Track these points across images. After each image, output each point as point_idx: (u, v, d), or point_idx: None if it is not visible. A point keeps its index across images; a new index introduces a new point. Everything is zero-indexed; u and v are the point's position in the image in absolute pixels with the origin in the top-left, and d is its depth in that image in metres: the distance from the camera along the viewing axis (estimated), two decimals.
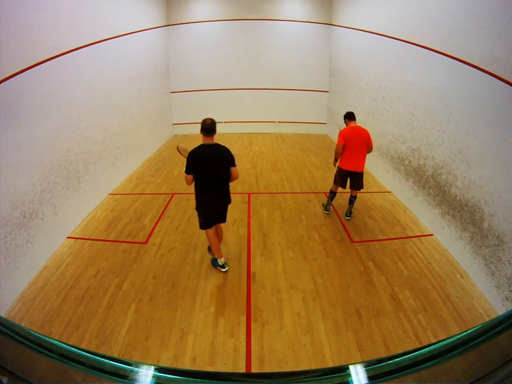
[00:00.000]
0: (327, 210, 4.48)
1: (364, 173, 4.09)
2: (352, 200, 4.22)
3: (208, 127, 2.81)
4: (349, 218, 4.30)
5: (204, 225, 3.13)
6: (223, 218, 3.25)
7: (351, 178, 4.10)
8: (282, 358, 2.34)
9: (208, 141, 2.86)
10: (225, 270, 3.26)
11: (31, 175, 3.26)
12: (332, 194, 4.36)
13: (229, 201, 3.15)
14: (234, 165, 2.94)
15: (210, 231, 3.16)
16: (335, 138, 8.40)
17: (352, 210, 4.32)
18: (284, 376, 1.37)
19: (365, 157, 4.00)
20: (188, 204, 4.76)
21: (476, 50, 3.17)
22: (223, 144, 2.96)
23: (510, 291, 2.68)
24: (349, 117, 4.02)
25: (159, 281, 3.13)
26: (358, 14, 6.75)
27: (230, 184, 3.08)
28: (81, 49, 4.25)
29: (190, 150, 2.87)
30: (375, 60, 5.81)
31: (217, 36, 8.68)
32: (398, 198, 4.97)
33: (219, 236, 3.39)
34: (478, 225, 3.12)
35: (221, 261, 3.26)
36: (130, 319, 2.67)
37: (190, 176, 2.84)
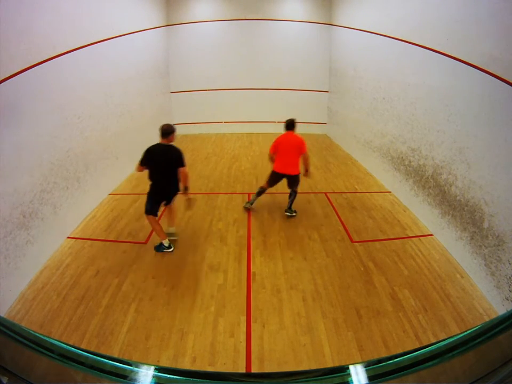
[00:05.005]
0: (250, 204, 4.52)
1: (298, 176, 4.24)
2: (291, 194, 4.36)
3: (161, 131, 3.30)
4: (288, 214, 4.37)
5: (149, 210, 3.45)
6: (169, 201, 3.58)
7: (286, 179, 4.27)
8: (282, 358, 2.34)
9: (163, 142, 3.32)
10: (171, 250, 3.53)
11: (31, 175, 3.26)
12: (260, 189, 4.45)
13: (175, 191, 3.50)
14: (181, 165, 3.35)
15: (152, 217, 3.46)
16: (335, 138, 8.45)
17: (292, 206, 4.39)
18: (283, 376, 1.38)
19: (294, 162, 4.14)
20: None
21: (476, 50, 3.17)
22: (177, 147, 3.37)
23: (510, 291, 2.68)
24: (285, 126, 4.17)
25: (159, 281, 3.13)
26: (358, 14, 6.75)
27: (187, 182, 3.43)
28: (81, 49, 4.24)
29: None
30: (375, 60, 5.81)
31: (217, 36, 8.68)
32: (398, 198, 4.97)
33: (172, 216, 3.77)
34: (478, 225, 3.12)
35: (166, 242, 3.53)
36: (130, 319, 2.67)
37: (139, 166, 3.37)
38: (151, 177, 3.40)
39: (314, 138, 8.68)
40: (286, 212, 4.42)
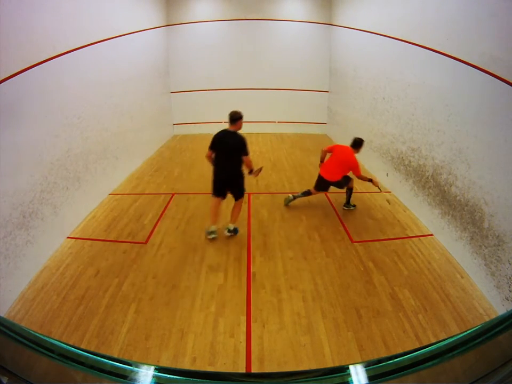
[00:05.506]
0: (292, 196, 4.63)
1: (338, 181, 4.36)
2: (347, 191, 4.55)
3: (229, 117, 3.48)
4: (346, 208, 4.62)
5: (213, 192, 3.70)
6: (235, 193, 3.70)
7: (330, 184, 4.45)
8: (282, 358, 2.34)
9: (230, 128, 3.51)
10: (210, 237, 3.73)
11: (31, 175, 3.26)
12: (307, 190, 4.60)
13: (235, 177, 3.62)
14: (245, 154, 3.48)
15: (214, 200, 3.72)
16: (335, 138, 8.45)
17: (350, 201, 4.61)
18: (284, 376, 1.38)
19: (335, 171, 4.29)
20: (187, 204, 4.77)
21: (476, 50, 3.17)
22: (242, 135, 3.50)
23: (510, 291, 2.68)
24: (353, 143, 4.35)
25: (159, 281, 3.13)
26: (358, 14, 6.75)
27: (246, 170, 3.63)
28: (81, 49, 4.24)
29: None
30: (375, 59, 5.81)
31: (217, 36, 8.67)
32: (398, 198, 4.97)
33: (233, 214, 3.80)
34: (478, 225, 3.12)
35: (210, 228, 3.76)
36: (130, 319, 2.67)
37: (208, 151, 3.57)
38: (214, 161, 3.58)
39: (314, 138, 8.68)
40: (344, 206, 4.61)
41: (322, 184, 4.45)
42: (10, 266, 2.89)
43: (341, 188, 4.49)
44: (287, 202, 4.63)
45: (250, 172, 3.64)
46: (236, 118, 3.45)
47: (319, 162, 4.56)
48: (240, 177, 3.63)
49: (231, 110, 3.50)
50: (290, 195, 4.63)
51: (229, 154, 3.49)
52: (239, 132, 3.52)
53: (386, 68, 5.33)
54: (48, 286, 3.06)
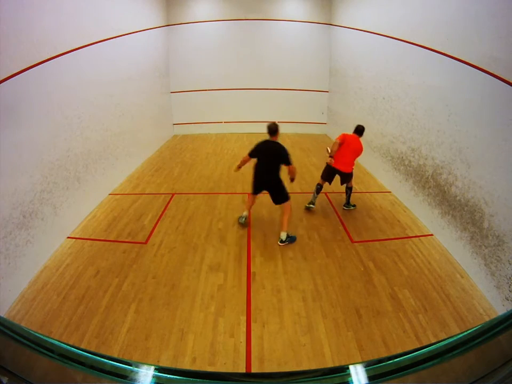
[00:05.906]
0: (312, 204, 4.51)
1: (349, 173, 4.40)
2: (347, 191, 4.57)
3: (268, 129, 3.70)
4: (346, 208, 4.61)
5: (252, 190, 3.98)
6: (274, 197, 3.83)
7: (339, 175, 4.42)
8: (282, 358, 2.34)
9: (271, 139, 3.71)
10: (240, 221, 4.12)
11: (31, 175, 3.26)
12: (318, 186, 4.53)
13: (271, 183, 3.78)
14: (287, 163, 3.64)
15: (252, 196, 4.06)
16: (334, 138, 8.44)
17: (350, 201, 4.61)
18: (284, 376, 1.38)
19: (350, 161, 4.34)
20: (188, 203, 4.77)
21: (476, 50, 3.17)
22: (282, 145, 3.69)
23: (510, 291, 2.68)
24: (356, 131, 4.41)
25: (159, 281, 3.13)
26: (358, 14, 6.75)
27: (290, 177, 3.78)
28: (81, 49, 4.24)
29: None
30: (375, 60, 5.81)
31: (217, 36, 8.68)
32: (398, 198, 4.97)
33: (282, 220, 3.82)
34: (478, 225, 3.12)
35: (243, 214, 4.14)
36: (130, 319, 2.67)
37: (247, 156, 3.89)
38: (255, 166, 3.85)
39: (314, 138, 8.69)
40: (344, 206, 4.62)
41: (331, 176, 4.44)
42: (10, 266, 2.89)
43: (348, 181, 4.47)
44: (308, 208, 4.54)
45: (292, 180, 3.79)
46: (274, 130, 3.67)
47: (330, 156, 4.23)
48: (277, 183, 3.75)
49: (269, 123, 3.72)
50: (311, 205, 4.50)
51: (266, 161, 3.73)
52: (279, 141, 3.73)
53: (386, 68, 5.33)
54: (48, 286, 3.06)
